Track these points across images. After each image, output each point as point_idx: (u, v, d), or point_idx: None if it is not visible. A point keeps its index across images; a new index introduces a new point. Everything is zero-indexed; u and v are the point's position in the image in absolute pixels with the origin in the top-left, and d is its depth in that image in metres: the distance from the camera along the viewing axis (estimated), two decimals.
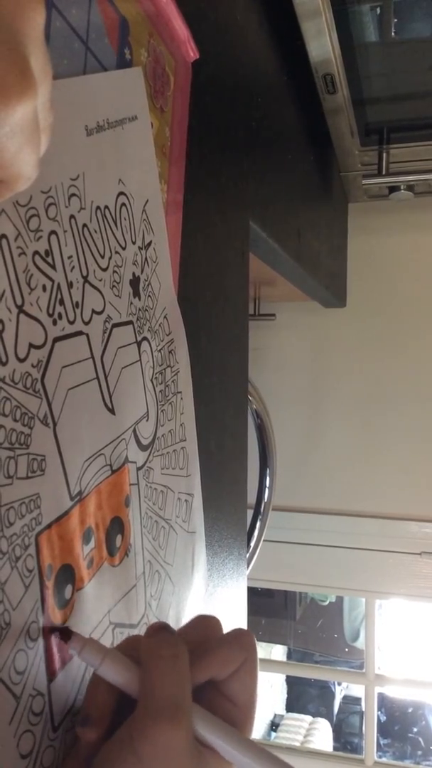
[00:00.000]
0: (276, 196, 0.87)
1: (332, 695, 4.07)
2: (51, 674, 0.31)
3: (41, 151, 0.24)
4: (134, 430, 0.42)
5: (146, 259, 0.44)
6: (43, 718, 0.31)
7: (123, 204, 0.40)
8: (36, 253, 0.31)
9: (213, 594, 0.60)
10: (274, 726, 3.78)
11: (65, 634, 0.32)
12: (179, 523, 0.49)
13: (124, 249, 0.40)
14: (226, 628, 0.35)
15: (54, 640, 0.32)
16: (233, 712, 0.32)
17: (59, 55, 0.34)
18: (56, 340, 0.32)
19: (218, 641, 0.33)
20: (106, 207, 0.38)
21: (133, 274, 0.42)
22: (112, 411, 0.38)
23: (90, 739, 0.30)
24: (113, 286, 0.39)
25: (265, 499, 1.42)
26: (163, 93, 0.47)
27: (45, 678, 0.31)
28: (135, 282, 0.42)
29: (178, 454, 0.49)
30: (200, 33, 0.53)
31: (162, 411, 0.46)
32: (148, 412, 0.44)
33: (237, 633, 0.34)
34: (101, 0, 0.38)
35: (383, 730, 3.77)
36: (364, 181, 1.23)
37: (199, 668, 0.31)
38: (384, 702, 3.83)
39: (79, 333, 0.35)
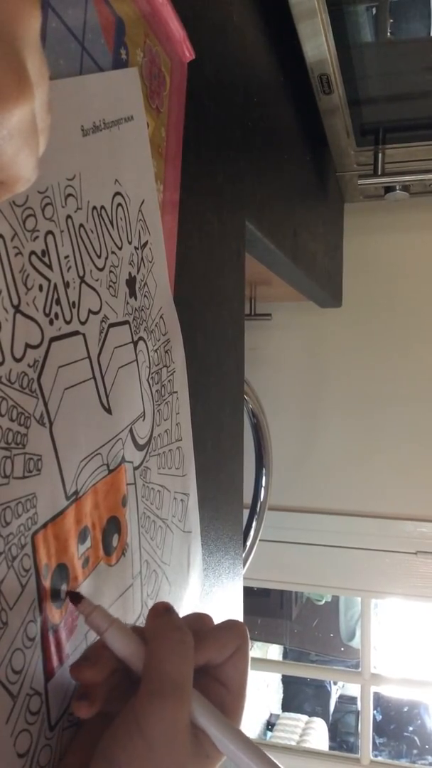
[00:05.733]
0: (272, 196, 0.87)
1: (328, 695, 4.08)
2: (48, 673, 0.31)
3: (39, 152, 0.24)
4: (131, 430, 0.42)
5: (142, 259, 0.44)
6: (40, 718, 0.31)
7: (119, 204, 0.40)
8: (32, 253, 0.31)
9: (209, 593, 0.60)
10: (270, 726, 3.78)
11: (75, 597, 0.33)
12: (175, 523, 0.49)
13: (120, 249, 0.40)
14: None
15: (52, 640, 0.32)
16: (226, 697, 0.33)
17: (55, 55, 0.34)
18: (53, 339, 0.32)
19: (214, 629, 0.35)
20: (103, 207, 0.38)
21: (130, 274, 0.42)
22: (108, 411, 0.38)
23: (85, 678, 0.31)
24: (110, 286, 0.39)
25: (261, 499, 1.42)
26: (159, 93, 0.47)
27: (42, 677, 0.31)
28: (131, 282, 0.42)
29: (174, 454, 0.49)
30: (196, 33, 0.53)
31: (158, 411, 0.47)
32: (144, 411, 0.44)
33: (230, 622, 0.35)
34: (97, 0, 0.38)
35: (379, 729, 3.78)
36: (359, 182, 1.24)
37: (198, 651, 0.33)
38: (380, 701, 3.83)
39: (76, 333, 0.35)
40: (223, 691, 0.33)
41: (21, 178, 0.23)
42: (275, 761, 0.30)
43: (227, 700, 0.33)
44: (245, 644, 0.35)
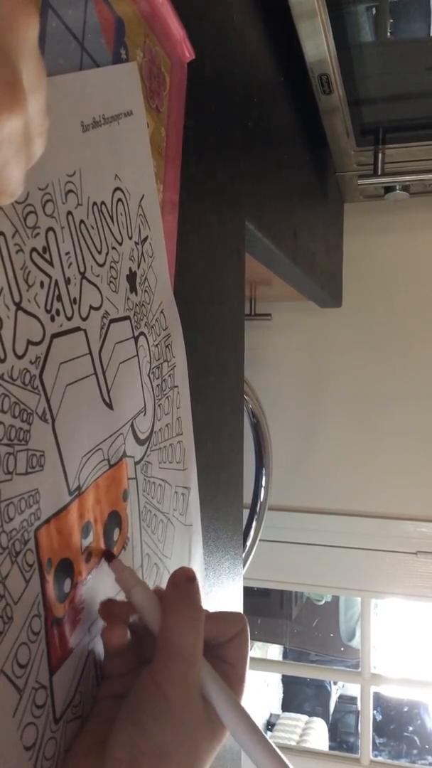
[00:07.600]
0: (272, 196, 0.87)
1: (328, 695, 4.08)
2: (53, 667, 0.32)
3: (36, 157, 0.24)
4: (132, 425, 0.42)
5: (142, 254, 0.44)
6: (45, 711, 0.31)
7: (119, 199, 0.40)
8: (33, 249, 0.31)
9: (209, 594, 0.60)
10: (270, 725, 3.78)
11: (109, 557, 0.37)
12: (176, 516, 0.50)
13: (120, 244, 0.41)
14: None
15: (56, 633, 0.32)
16: (230, 672, 0.36)
17: (55, 55, 0.34)
18: (54, 336, 0.32)
19: (218, 612, 0.38)
20: (103, 203, 0.38)
21: (130, 269, 0.42)
22: (110, 406, 0.38)
23: (115, 609, 0.35)
24: (110, 281, 0.39)
25: (261, 499, 1.43)
26: (158, 93, 0.47)
27: (47, 671, 0.31)
28: (132, 277, 0.42)
29: (175, 448, 0.50)
30: (196, 33, 0.53)
31: (159, 405, 0.47)
32: (145, 406, 0.44)
33: (232, 611, 0.39)
34: (97, 0, 0.38)
35: (379, 729, 3.78)
36: (359, 182, 1.24)
37: (206, 626, 0.36)
38: (380, 701, 3.83)
39: (77, 329, 0.35)
40: (228, 668, 0.36)
41: (5, 192, 0.23)
42: (272, 743, 0.33)
43: (232, 675, 0.36)
44: (246, 629, 0.38)
